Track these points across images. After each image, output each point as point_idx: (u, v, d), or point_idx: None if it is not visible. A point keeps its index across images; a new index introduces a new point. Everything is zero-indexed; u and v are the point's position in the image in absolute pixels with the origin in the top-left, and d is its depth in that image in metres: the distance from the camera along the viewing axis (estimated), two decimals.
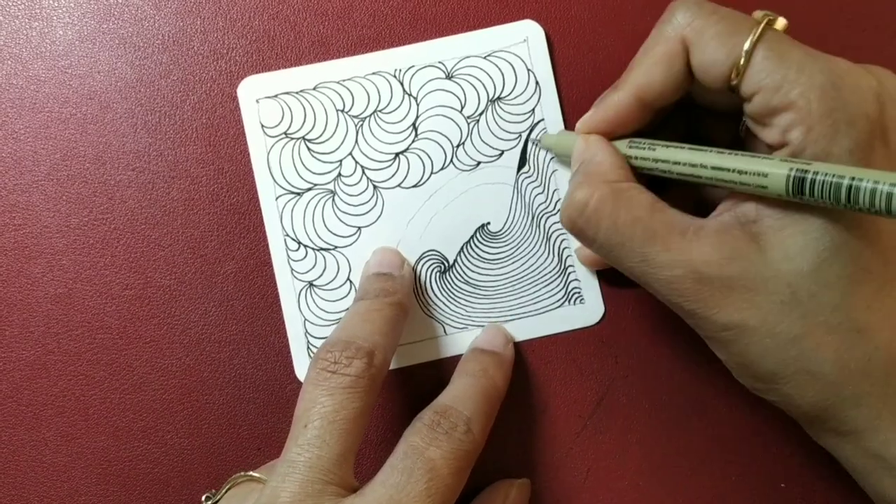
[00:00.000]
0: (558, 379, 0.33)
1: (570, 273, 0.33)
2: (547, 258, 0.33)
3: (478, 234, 0.33)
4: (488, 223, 0.33)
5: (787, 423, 0.33)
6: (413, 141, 0.33)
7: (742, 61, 0.25)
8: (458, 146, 0.33)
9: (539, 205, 0.33)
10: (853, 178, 0.22)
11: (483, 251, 0.33)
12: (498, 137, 0.33)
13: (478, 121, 0.33)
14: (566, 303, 0.33)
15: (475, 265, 0.33)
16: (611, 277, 0.33)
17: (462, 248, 0.33)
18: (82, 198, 0.33)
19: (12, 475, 0.32)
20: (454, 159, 0.33)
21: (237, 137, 0.33)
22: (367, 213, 0.33)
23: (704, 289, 0.25)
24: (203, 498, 0.29)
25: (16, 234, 0.32)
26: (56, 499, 0.32)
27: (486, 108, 0.33)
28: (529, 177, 0.33)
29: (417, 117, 0.33)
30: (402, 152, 0.33)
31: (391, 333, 0.28)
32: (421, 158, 0.33)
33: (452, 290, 0.33)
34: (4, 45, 0.33)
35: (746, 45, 0.24)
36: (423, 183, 0.33)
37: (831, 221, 0.24)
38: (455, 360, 0.32)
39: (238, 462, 0.32)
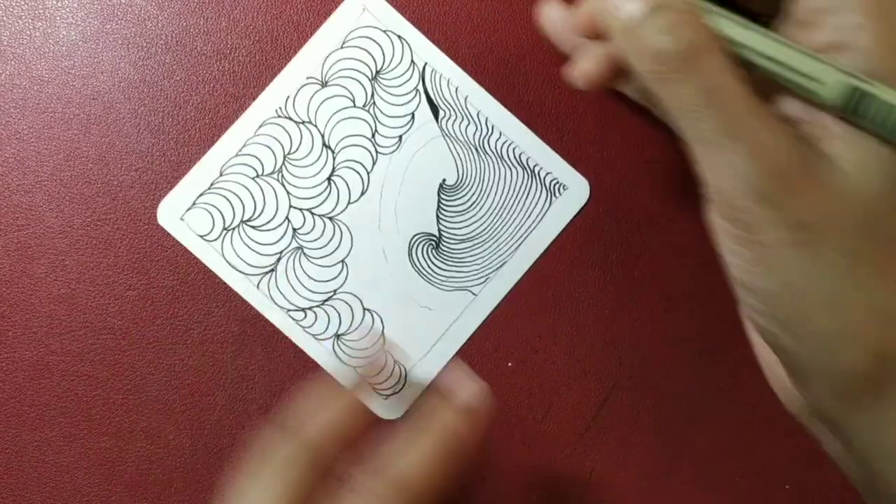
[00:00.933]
0: (562, 380, 0.33)
1: (539, 172, 0.33)
2: (512, 174, 0.33)
3: (442, 196, 0.33)
4: (444, 180, 0.33)
5: (791, 425, 0.33)
6: (333, 159, 0.33)
7: None
8: (373, 135, 0.33)
9: (473, 134, 0.33)
10: None
11: (457, 206, 0.33)
12: (400, 105, 0.33)
13: (374, 103, 0.33)
14: (553, 198, 0.33)
15: (459, 222, 0.33)
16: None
17: (438, 217, 0.33)
18: (85, 198, 0.33)
19: (15, 475, 0.32)
20: (378, 148, 0.33)
21: None
22: (338, 246, 0.33)
23: (791, 175, 0.22)
24: None
25: (19, 234, 0.32)
26: (59, 499, 0.32)
27: (373, 88, 0.33)
28: (449, 118, 0.33)
29: (323, 136, 0.33)
30: (330, 176, 0.33)
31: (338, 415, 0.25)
32: (350, 168, 0.33)
33: (454, 254, 0.33)
34: (8, 45, 0.33)
35: None
36: (367, 187, 0.33)
37: None
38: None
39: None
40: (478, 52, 0.33)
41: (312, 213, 0.33)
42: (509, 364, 0.33)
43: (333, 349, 0.33)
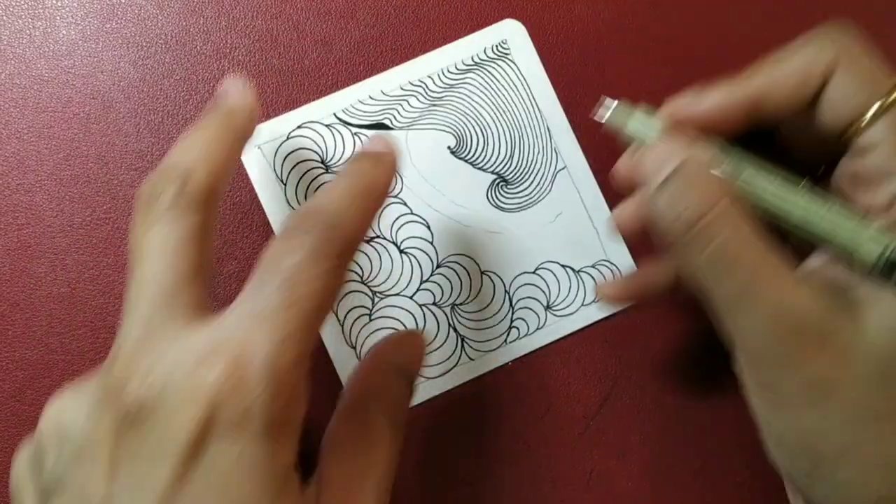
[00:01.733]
0: (562, 379, 0.33)
1: (479, 57, 0.33)
2: (471, 83, 0.33)
3: (461, 156, 0.33)
4: (449, 147, 0.33)
5: None
6: (395, 243, 0.33)
7: (873, 112, 0.24)
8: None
9: (419, 100, 0.33)
10: None
11: (476, 152, 0.33)
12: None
13: None
14: (510, 61, 0.33)
15: (490, 156, 0.33)
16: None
17: (481, 168, 0.33)
18: (85, 198, 0.33)
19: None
20: (400, 198, 0.33)
21: None
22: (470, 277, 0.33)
23: (801, 337, 0.23)
24: None
25: (19, 233, 0.32)
26: None
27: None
28: (395, 116, 0.33)
29: (382, 234, 0.33)
30: (400, 250, 0.33)
31: (214, 146, 0.26)
32: (413, 243, 0.33)
33: (520, 173, 0.33)
34: (8, 44, 0.33)
35: (885, 99, 0.23)
36: (429, 225, 0.33)
37: None
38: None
39: None
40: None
41: (400, 295, 0.33)
42: (509, 363, 0.33)
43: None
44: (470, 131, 0.33)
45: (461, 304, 0.33)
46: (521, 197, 0.33)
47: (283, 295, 0.22)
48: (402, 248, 0.33)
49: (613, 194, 0.33)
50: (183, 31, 0.33)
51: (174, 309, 0.23)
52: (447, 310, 0.33)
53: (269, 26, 0.33)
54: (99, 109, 0.33)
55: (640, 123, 0.27)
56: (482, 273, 0.33)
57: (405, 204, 0.33)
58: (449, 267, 0.33)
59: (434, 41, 0.33)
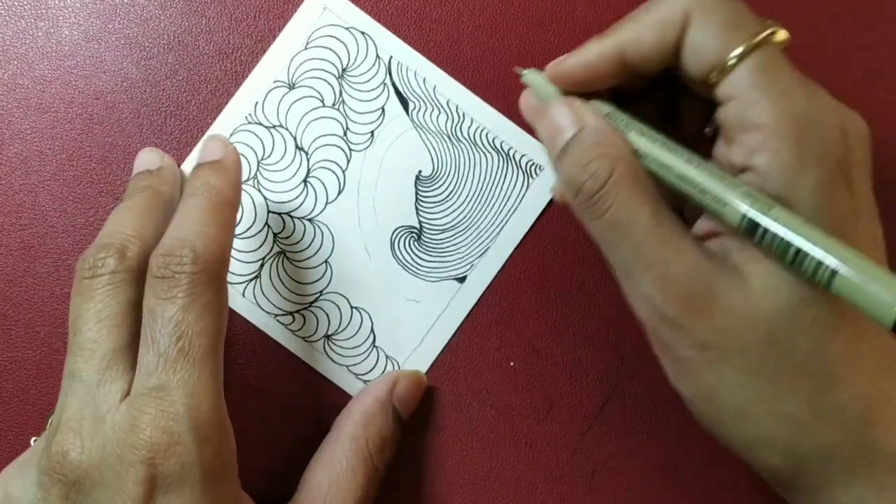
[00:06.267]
0: (563, 379, 0.33)
1: (514, 154, 0.33)
2: (487, 159, 0.33)
3: (419, 187, 0.33)
4: (420, 172, 0.33)
5: None
6: (307, 160, 0.33)
7: (731, 61, 0.23)
8: (345, 133, 0.33)
9: (444, 123, 0.33)
10: (805, 241, 0.21)
11: (435, 196, 0.33)
12: (369, 101, 0.33)
13: (343, 101, 0.33)
14: (529, 179, 0.33)
15: (438, 212, 0.33)
16: None
17: (417, 209, 0.33)
18: (88, 198, 0.33)
19: None
20: (351, 146, 0.33)
21: None
22: (320, 247, 0.33)
23: (694, 299, 0.23)
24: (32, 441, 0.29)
25: (22, 234, 0.32)
26: None
27: (341, 86, 0.33)
28: (420, 109, 0.33)
29: (295, 138, 0.33)
30: (305, 178, 0.33)
31: (145, 221, 0.27)
32: (325, 168, 0.33)
33: (436, 244, 0.33)
34: (10, 45, 0.33)
35: (741, 48, 0.23)
36: (344, 185, 0.33)
37: None
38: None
39: (241, 462, 0.32)
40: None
41: (291, 217, 0.33)
42: (511, 364, 0.33)
43: (325, 350, 0.33)
44: (445, 182, 0.33)
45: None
46: (418, 263, 0.33)
47: (177, 348, 0.24)
48: (311, 167, 0.33)
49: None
50: (185, 31, 0.33)
51: (113, 377, 0.24)
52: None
53: (271, 27, 0.33)
54: (102, 110, 0.33)
55: (538, 84, 0.27)
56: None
57: (339, 170, 0.33)
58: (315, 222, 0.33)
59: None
